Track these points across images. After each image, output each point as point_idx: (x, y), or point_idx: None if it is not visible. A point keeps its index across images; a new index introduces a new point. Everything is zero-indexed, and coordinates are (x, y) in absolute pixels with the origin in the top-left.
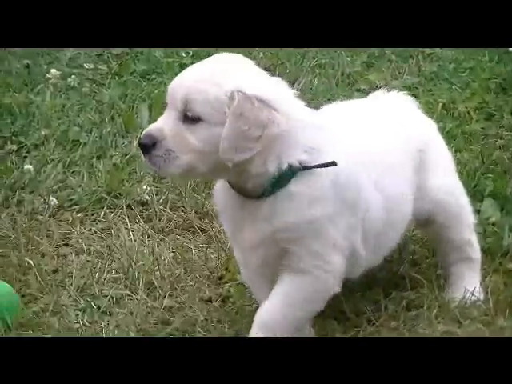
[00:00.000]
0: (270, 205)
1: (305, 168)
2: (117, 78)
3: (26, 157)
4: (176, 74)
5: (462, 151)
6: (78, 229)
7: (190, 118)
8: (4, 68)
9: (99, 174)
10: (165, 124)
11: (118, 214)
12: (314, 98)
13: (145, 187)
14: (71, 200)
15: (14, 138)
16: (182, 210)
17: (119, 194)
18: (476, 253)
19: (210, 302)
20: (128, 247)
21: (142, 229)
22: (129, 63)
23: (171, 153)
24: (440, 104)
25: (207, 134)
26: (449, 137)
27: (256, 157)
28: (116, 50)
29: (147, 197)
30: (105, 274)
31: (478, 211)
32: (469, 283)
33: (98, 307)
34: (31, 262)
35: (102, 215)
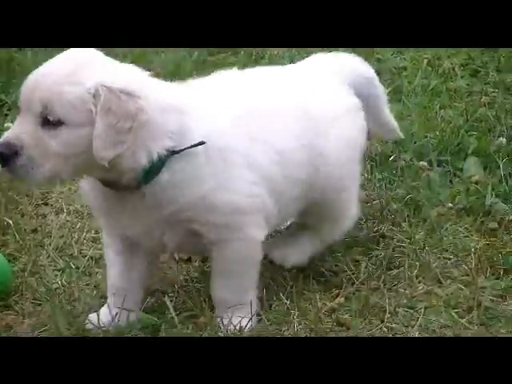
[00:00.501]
0: (153, 195)
1: (173, 153)
2: None
3: (6, 115)
4: None
5: (446, 108)
6: (57, 188)
7: (50, 122)
8: None
9: None
10: (22, 130)
11: None
12: None
13: None
14: None
15: None
16: None
17: None
18: (333, 234)
19: (190, 261)
20: None
21: None
22: None
23: (33, 161)
24: (425, 60)
25: (71, 137)
26: (433, 94)
27: (126, 151)
28: None
29: None
30: (84, 234)
31: (460, 169)
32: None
33: (77, 267)
34: (10, 221)
35: None
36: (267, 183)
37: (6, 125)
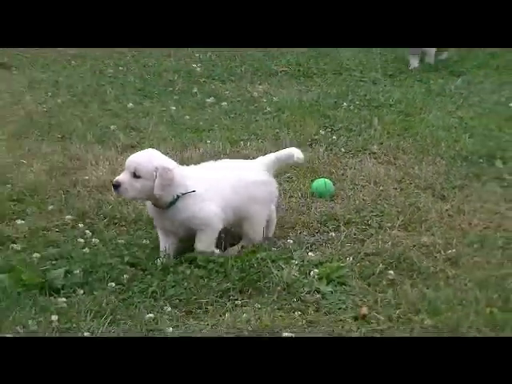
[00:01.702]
0: (173, 212)
1: (183, 195)
2: None
3: None
4: None
5: None
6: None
7: (136, 176)
8: None
9: None
10: (124, 177)
11: None
12: None
13: None
14: None
15: None
16: None
17: None
18: (251, 241)
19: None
20: None
21: None
22: None
23: (126, 190)
24: None
25: (144, 184)
26: None
27: (165, 193)
28: None
29: None
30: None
31: None
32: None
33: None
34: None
35: None
36: (220, 207)
37: None
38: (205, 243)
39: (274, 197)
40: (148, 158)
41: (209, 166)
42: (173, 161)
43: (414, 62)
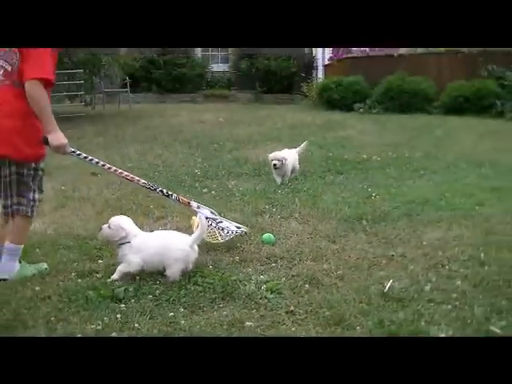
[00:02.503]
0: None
1: (125, 243)
2: None
3: None
4: None
5: None
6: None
7: (109, 227)
8: None
9: None
10: (104, 226)
11: None
12: None
13: None
14: None
15: None
16: None
17: None
18: (169, 280)
19: None
20: None
21: None
22: None
23: (102, 233)
24: None
25: (109, 233)
26: None
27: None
28: None
29: None
30: None
31: None
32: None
33: None
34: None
35: None
36: (142, 258)
37: None
38: (118, 273)
39: (189, 259)
40: (118, 221)
41: (156, 232)
42: (135, 227)
43: (279, 180)
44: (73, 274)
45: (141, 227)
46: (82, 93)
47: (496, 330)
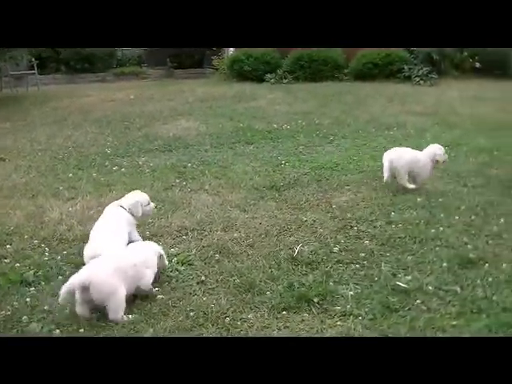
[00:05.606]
0: None
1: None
2: None
3: None
4: None
5: None
6: None
7: None
8: None
9: None
10: None
11: None
12: None
13: None
14: None
15: None
16: None
17: None
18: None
19: None
20: None
21: None
22: None
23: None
24: None
25: None
26: None
27: None
28: None
29: None
30: None
31: None
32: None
33: None
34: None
35: None
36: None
37: None
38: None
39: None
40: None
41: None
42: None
43: None
44: None
45: (51, 209)
46: None
47: (402, 284)
